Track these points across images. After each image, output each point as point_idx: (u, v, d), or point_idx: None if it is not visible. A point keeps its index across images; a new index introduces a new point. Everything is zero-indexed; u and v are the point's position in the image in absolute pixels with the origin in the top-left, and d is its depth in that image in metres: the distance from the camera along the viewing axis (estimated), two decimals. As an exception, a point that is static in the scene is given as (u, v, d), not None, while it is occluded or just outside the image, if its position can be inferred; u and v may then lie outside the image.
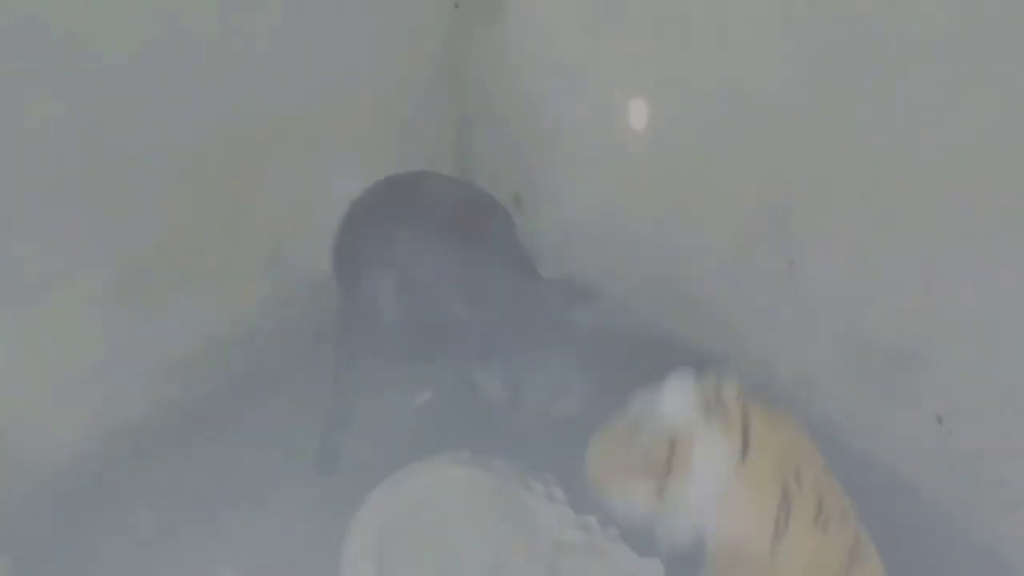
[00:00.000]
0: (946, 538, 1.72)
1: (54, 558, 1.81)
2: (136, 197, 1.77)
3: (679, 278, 1.97)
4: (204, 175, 1.85)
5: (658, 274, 2.02)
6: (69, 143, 1.63)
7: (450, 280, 1.73)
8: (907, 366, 1.67)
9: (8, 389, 1.75)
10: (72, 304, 1.77)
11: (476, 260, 1.74)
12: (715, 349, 1.92)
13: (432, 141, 2.25)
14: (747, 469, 1.47)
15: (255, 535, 1.92)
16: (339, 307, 1.89)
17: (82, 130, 1.64)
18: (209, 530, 1.91)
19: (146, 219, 1.80)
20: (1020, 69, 1.36)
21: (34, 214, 1.64)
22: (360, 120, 2.04)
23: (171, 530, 1.90)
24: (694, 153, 1.84)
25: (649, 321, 2.04)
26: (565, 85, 2.00)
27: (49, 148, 1.61)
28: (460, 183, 2.02)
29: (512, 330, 1.76)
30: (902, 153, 1.52)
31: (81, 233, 1.73)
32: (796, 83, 1.61)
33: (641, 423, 1.54)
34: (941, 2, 1.39)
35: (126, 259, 1.82)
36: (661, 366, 1.56)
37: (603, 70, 1.93)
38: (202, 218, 1.87)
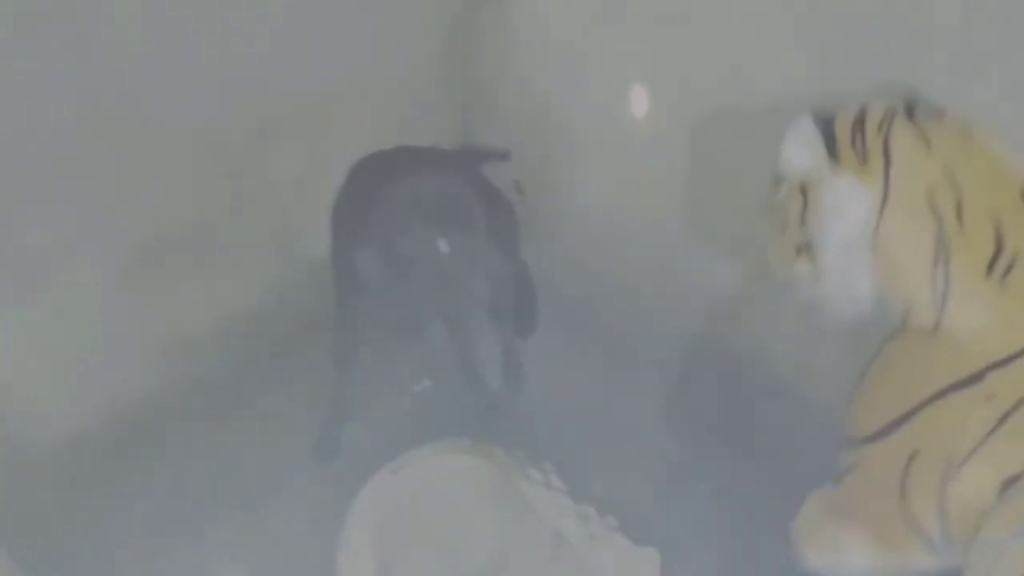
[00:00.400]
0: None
1: (55, 540, 1.81)
2: (144, 179, 1.79)
3: (679, 271, 1.97)
4: (212, 158, 1.87)
5: (657, 266, 2.03)
6: (78, 124, 1.65)
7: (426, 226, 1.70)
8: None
9: (11, 370, 1.78)
10: (78, 285, 1.80)
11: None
12: (714, 340, 1.94)
13: (436, 129, 2.26)
14: (888, 214, 1.21)
15: (255, 520, 1.94)
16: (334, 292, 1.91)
17: (91, 111, 1.66)
18: (209, 513, 1.93)
19: (154, 201, 1.82)
20: (1021, 66, 1.36)
21: (41, 194, 1.67)
22: (366, 106, 2.06)
23: (171, 513, 1.91)
24: (694, 148, 1.85)
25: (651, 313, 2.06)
26: (568, 77, 2.02)
27: (57, 128, 1.63)
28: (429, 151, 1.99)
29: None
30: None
31: (89, 213, 1.75)
32: (797, 80, 1.60)
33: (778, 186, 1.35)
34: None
35: (133, 240, 1.84)
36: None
37: (606, 64, 1.94)
38: (210, 201, 1.89)
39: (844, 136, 1.26)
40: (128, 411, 1.97)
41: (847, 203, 1.24)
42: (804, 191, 1.29)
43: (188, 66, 1.73)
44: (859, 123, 1.26)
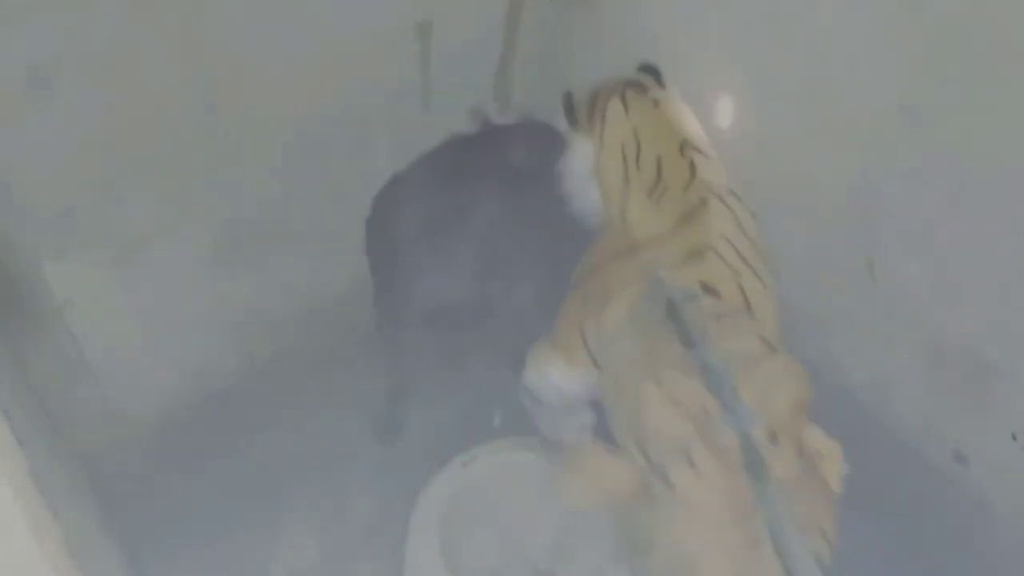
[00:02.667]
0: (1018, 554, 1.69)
1: (141, 502, 1.90)
2: (242, 164, 1.86)
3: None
4: (307, 148, 1.93)
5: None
6: (185, 110, 1.73)
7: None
8: (984, 378, 1.63)
9: (109, 340, 1.86)
10: (174, 261, 1.88)
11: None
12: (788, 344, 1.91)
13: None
14: (599, 160, 1.79)
15: (328, 496, 2.00)
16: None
17: (198, 100, 1.74)
18: (285, 487, 2.00)
19: (251, 184, 1.90)
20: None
21: (146, 174, 1.75)
22: (457, 104, 2.10)
23: (249, 483, 2.00)
24: (782, 150, 1.84)
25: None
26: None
27: (166, 114, 1.72)
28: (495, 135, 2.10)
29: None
30: (994, 156, 1.48)
31: (187, 194, 1.83)
32: (889, 84, 1.59)
33: None
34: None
35: (229, 219, 1.92)
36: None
37: (695, 63, 1.93)
38: (303, 188, 1.96)
39: (582, 107, 1.82)
40: (214, 383, 2.06)
41: (577, 151, 1.82)
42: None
43: (290, 60, 1.80)
44: (594, 95, 1.81)
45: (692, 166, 1.69)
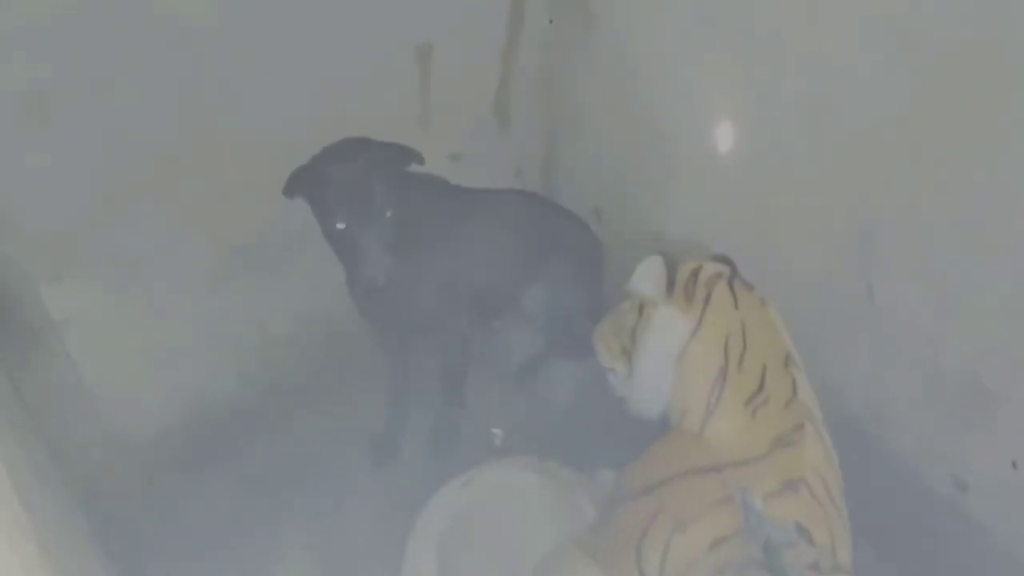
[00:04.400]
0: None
1: (138, 522, 1.90)
2: (236, 188, 1.87)
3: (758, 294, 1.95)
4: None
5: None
6: (182, 137, 1.75)
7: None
8: (984, 404, 1.62)
9: (108, 361, 1.87)
10: (171, 284, 1.89)
11: None
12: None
13: (521, 151, 2.30)
14: (693, 344, 1.62)
15: (327, 516, 2.00)
16: None
17: (199, 122, 1.75)
18: (283, 506, 2.01)
19: (244, 209, 1.90)
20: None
21: (144, 198, 1.77)
22: (453, 124, 2.11)
23: (247, 503, 2.00)
24: (782, 173, 1.83)
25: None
26: (652, 103, 2.02)
27: (164, 140, 1.73)
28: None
29: None
30: (996, 184, 1.48)
31: (184, 218, 1.84)
32: (891, 109, 1.58)
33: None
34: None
35: (222, 245, 1.93)
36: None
37: (694, 87, 1.93)
38: (300, 212, 1.94)
39: (681, 278, 1.66)
40: (212, 405, 2.06)
41: (668, 326, 1.64)
42: (641, 309, 1.68)
43: (289, 83, 1.82)
44: (695, 272, 1.66)
45: (794, 384, 1.59)
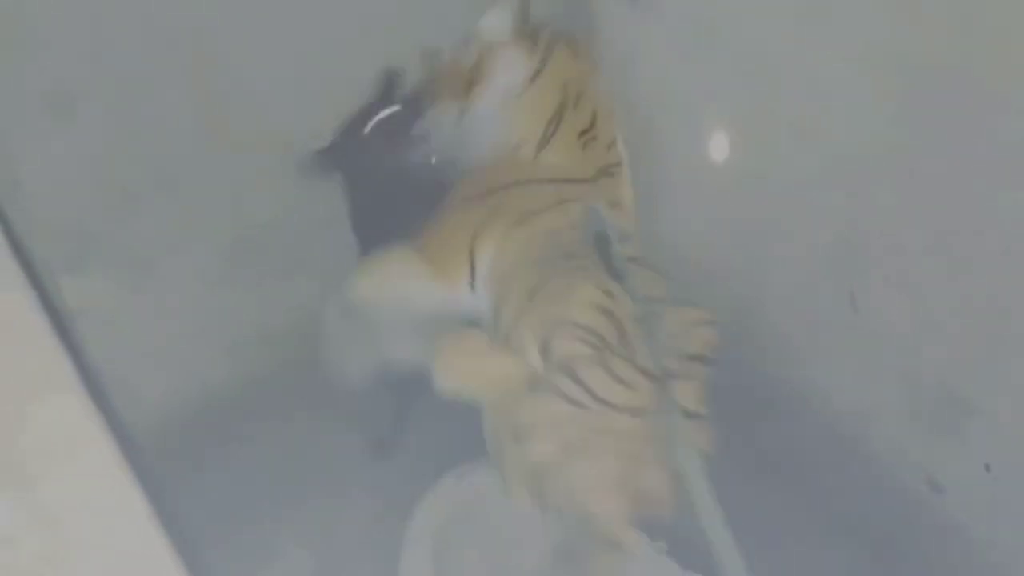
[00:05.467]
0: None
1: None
2: (245, 184, 1.93)
3: (747, 302, 2.01)
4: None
5: (725, 296, 2.05)
6: (194, 132, 1.80)
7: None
8: (959, 410, 1.68)
9: (115, 351, 1.86)
10: (182, 274, 1.94)
11: None
12: (775, 371, 1.97)
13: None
14: (534, 84, 1.80)
15: (323, 510, 2.03)
16: None
17: (206, 122, 1.80)
18: (280, 500, 2.03)
19: (252, 204, 1.96)
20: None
21: (155, 192, 1.82)
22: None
23: (245, 497, 2.01)
24: (770, 186, 1.89)
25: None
26: (655, 117, 2.07)
27: (176, 135, 1.78)
28: None
29: None
30: (975, 203, 1.54)
31: (193, 213, 1.90)
32: (874, 125, 1.64)
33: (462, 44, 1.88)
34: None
35: (235, 238, 1.98)
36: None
37: (693, 104, 1.99)
38: (305, 210, 2.01)
39: (528, 28, 1.83)
40: (214, 398, 2.10)
41: (514, 65, 1.80)
42: (488, 49, 1.83)
43: (291, 87, 1.86)
44: (541, 27, 1.83)
45: (615, 134, 1.86)
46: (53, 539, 0.78)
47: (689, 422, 1.53)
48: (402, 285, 1.79)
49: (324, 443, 2.14)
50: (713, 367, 1.60)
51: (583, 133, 1.80)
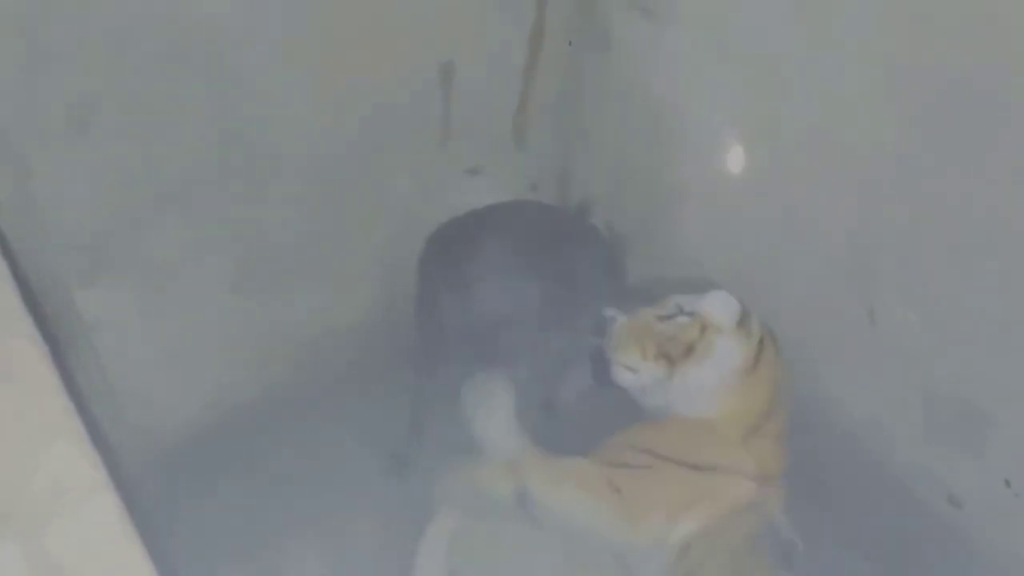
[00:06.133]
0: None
1: (153, 522, 1.91)
2: (263, 197, 1.92)
3: (763, 316, 1.97)
4: (329, 182, 1.98)
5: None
6: (209, 146, 1.79)
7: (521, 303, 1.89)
8: (977, 424, 1.68)
9: (135, 363, 1.91)
10: (198, 285, 1.93)
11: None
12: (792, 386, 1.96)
13: (537, 166, 2.35)
14: (750, 377, 1.82)
15: (338, 525, 2.04)
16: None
17: (222, 136, 1.79)
18: (296, 513, 2.04)
19: (270, 217, 1.95)
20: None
21: (171, 207, 1.80)
22: (473, 143, 2.16)
23: (260, 509, 2.03)
24: (787, 198, 1.88)
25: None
26: (666, 123, 2.07)
27: (190, 150, 1.77)
28: (544, 209, 2.12)
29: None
30: (991, 215, 1.54)
31: (210, 226, 1.88)
32: (889, 137, 1.64)
33: (676, 312, 1.87)
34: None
35: (250, 250, 1.97)
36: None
37: (703, 111, 1.99)
38: (324, 220, 2.01)
39: (744, 319, 1.84)
40: (232, 410, 2.10)
41: (732, 354, 1.81)
42: (704, 329, 1.82)
43: (306, 101, 1.85)
44: (752, 316, 1.84)
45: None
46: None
47: None
48: (591, 507, 1.79)
49: (341, 455, 2.15)
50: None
51: (780, 435, 1.84)
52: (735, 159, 1.96)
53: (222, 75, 1.74)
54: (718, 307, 1.83)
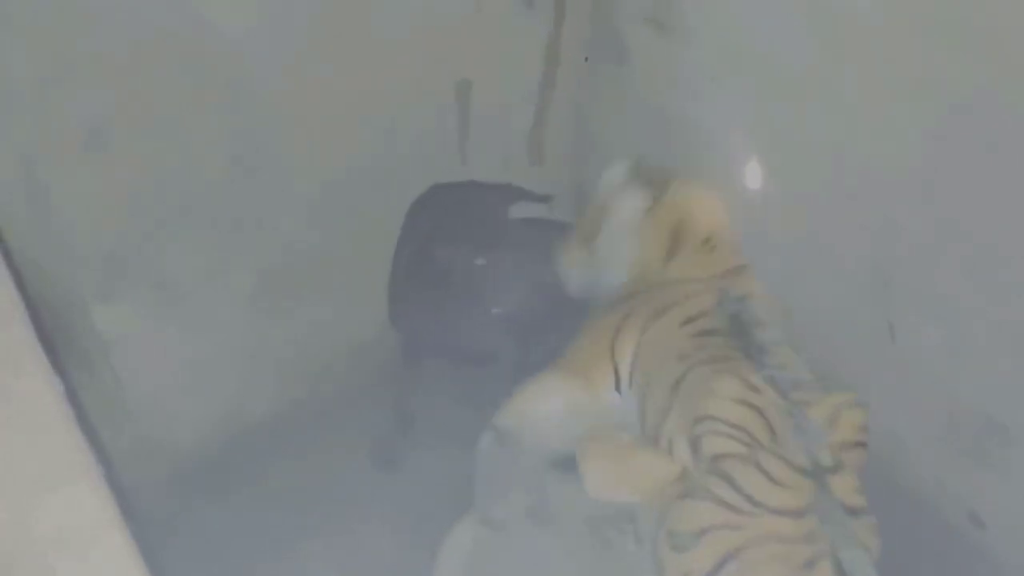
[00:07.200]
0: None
1: (168, 532, 1.91)
2: (280, 213, 1.94)
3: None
4: (345, 198, 2.00)
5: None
6: (228, 159, 1.81)
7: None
8: (999, 441, 1.65)
9: (148, 375, 1.93)
10: (215, 303, 1.95)
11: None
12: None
13: (553, 180, 2.36)
14: (653, 211, 1.92)
15: (350, 537, 2.03)
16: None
17: (238, 148, 1.82)
18: (309, 524, 2.04)
19: (283, 235, 1.97)
20: None
21: (186, 224, 1.83)
22: (485, 156, 2.17)
23: (273, 520, 2.03)
24: (804, 212, 1.87)
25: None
26: (681, 137, 2.07)
27: (209, 162, 1.80)
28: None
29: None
30: (1009, 228, 1.52)
31: (225, 243, 1.91)
32: (906, 151, 1.63)
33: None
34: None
35: (265, 266, 1.99)
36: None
37: (719, 124, 1.98)
38: (340, 236, 2.03)
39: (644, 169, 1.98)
40: (246, 424, 2.12)
41: (631, 199, 1.95)
42: (610, 191, 2.00)
43: (323, 117, 1.87)
44: (659, 168, 1.97)
45: (733, 245, 1.92)
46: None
47: (853, 519, 1.43)
48: (553, 402, 1.79)
49: (355, 467, 2.15)
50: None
51: (704, 243, 1.90)
52: (751, 174, 1.95)
53: (238, 94, 1.76)
54: (612, 170, 2.01)
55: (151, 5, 1.57)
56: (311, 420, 2.16)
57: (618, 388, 1.76)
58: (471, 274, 1.79)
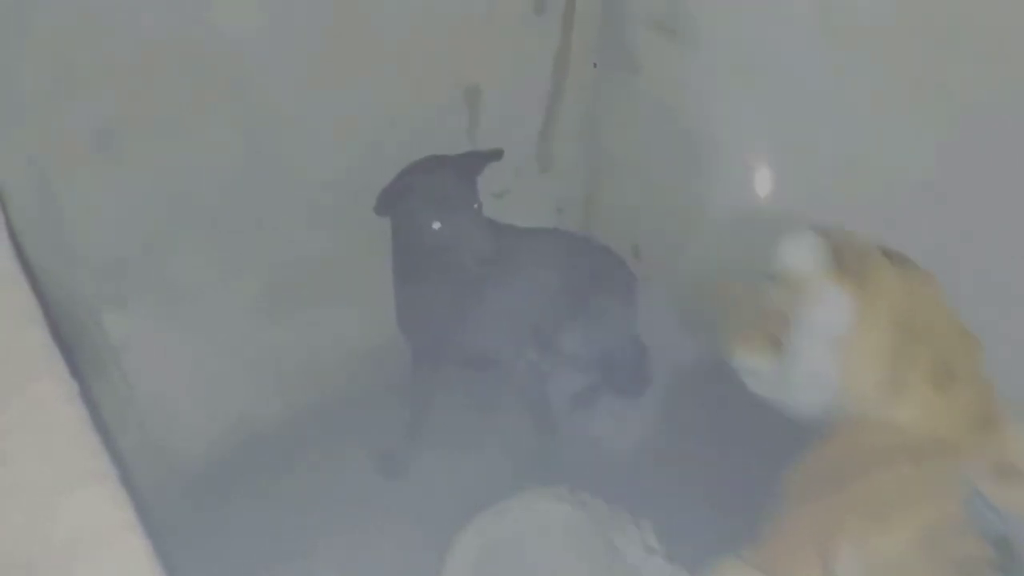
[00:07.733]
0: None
1: (178, 539, 1.92)
2: (286, 219, 1.94)
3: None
4: (354, 205, 1.94)
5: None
6: (236, 165, 1.82)
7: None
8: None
9: (159, 385, 1.94)
10: (224, 308, 1.95)
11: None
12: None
13: (562, 190, 2.36)
14: (862, 324, 1.41)
15: (360, 543, 2.03)
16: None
17: (247, 155, 1.82)
18: (318, 531, 2.04)
19: (294, 239, 1.97)
20: None
21: (194, 231, 1.83)
22: (500, 165, 2.16)
23: (283, 527, 2.03)
24: (814, 219, 1.86)
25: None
26: (692, 145, 2.07)
27: (218, 168, 1.80)
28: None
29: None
30: (1016, 237, 1.52)
31: (233, 250, 1.91)
32: (914, 159, 1.62)
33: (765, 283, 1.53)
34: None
35: (274, 272, 1.99)
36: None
37: (729, 132, 1.99)
38: (349, 243, 2.03)
39: (836, 250, 1.45)
40: (255, 430, 2.12)
41: (834, 303, 1.42)
42: (797, 292, 1.47)
43: (333, 125, 1.88)
44: (840, 245, 1.46)
45: (976, 361, 1.43)
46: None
47: None
48: None
49: (360, 478, 2.15)
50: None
51: (936, 374, 1.41)
52: (763, 181, 1.94)
53: (247, 100, 1.76)
54: (796, 254, 1.48)
55: (157, 11, 1.57)
56: (320, 424, 2.16)
57: None
58: (471, 268, 1.76)
